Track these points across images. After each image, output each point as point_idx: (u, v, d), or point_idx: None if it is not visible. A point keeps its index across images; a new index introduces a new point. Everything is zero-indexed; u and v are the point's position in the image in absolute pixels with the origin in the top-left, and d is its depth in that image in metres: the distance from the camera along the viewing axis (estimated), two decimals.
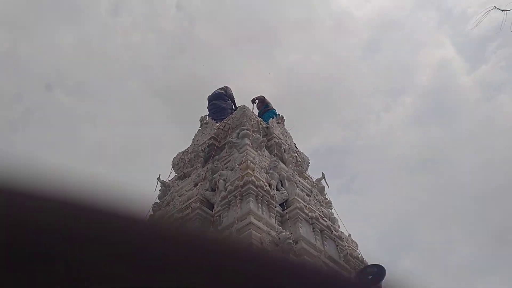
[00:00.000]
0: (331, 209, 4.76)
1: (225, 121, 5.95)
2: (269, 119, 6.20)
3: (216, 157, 5.21)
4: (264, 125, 5.84)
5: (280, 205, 4.14)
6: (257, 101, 6.87)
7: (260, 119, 6.06)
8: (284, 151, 5.45)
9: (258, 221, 3.62)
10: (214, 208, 4.09)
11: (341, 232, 4.38)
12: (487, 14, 5.04)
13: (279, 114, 6.64)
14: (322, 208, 4.53)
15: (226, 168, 4.67)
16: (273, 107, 6.89)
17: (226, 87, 7.05)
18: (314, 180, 5.31)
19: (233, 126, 5.67)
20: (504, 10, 4.89)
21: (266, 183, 4.17)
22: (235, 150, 4.97)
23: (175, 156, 5.85)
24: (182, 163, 5.56)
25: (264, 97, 7.03)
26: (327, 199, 5.05)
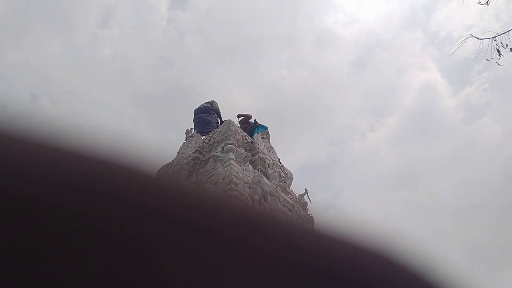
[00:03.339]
0: (313, 225, 4.80)
1: (210, 135, 5.99)
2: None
3: (201, 170, 5.23)
4: (249, 140, 5.89)
5: None
6: (245, 126, 6.86)
7: (245, 134, 6.11)
8: (268, 166, 5.50)
9: None
10: None
11: None
12: (464, 42, 5.22)
13: (267, 128, 6.69)
14: (304, 224, 4.57)
15: (210, 182, 4.69)
16: (261, 124, 6.93)
17: (213, 101, 7.09)
18: (297, 195, 5.36)
19: (218, 140, 5.71)
20: (480, 39, 5.08)
21: (249, 198, 4.21)
22: (219, 164, 5.00)
23: (159, 168, 5.82)
24: (166, 176, 5.55)
25: (251, 116, 7.03)
26: (309, 214, 5.09)
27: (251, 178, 4.74)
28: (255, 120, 6.93)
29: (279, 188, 4.99)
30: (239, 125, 6.76)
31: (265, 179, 4.96)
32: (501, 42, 5.03)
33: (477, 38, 5.12)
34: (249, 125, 6.75)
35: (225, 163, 4.95)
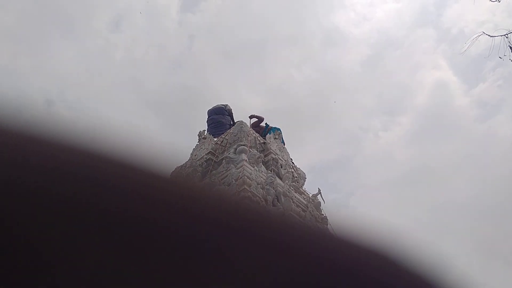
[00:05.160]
0: (327, 225, 4.78)
1: (223, 136, 6.01)
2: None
3: (214, 172, 5.24)
4: (261, 141, 5.90)
5: None
6: (258, 129, 6.86)
7: (257, 135, 6.12)
8: (281, 167, 5.50)
9: None
10: None
11: None
12: (476, 39, 5.16)
13: (280, 129, 6.69)
14: (317, 224, 4.56)
15: (223, 183, 4.70)
16: (273, 126, 6.92)
17: (226, 104, 7.14)
18: (310, 195, 5.34)
19: (231, 142, 5.72)
20: (492, 36, 5.02)
21: (262, 199, 4.21)
22: (232, 165, 5.01)
23: (173, 170, 5.85)
24: (180, 178, 5.58)
25: (263, 119, 7.02)
26: (323, 214, 5.07)
27: (264, 179, 4.74)
28: (266, 123, 6.93)
29: (292, 188, 4.98)
30: (252, 123, 6.78)
31: (278, 180, 4.96)
32: None
33: (489, 35, 5.06)
34: (261, 129, 6.73)
35: (238, 164, 4.96)
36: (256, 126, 6.78)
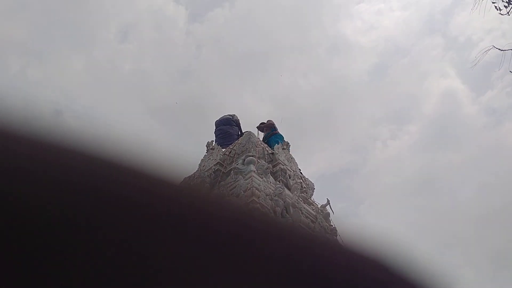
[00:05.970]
0: (336, 236, 4.74)
1: (231, 147, 6.01)
2: (275, 143, 6.26)
3: (222, 183, 5.24)
4: (270, 151, 5.89)
5: None
6: (264, 128, 6.93)
7: (265, 145, 6.11)
8: (289, 177, 5.48)
9: None
10: None
11: None
12: (486, 53, 5.16)
13: (283, 138, 6.70)
14: (327, 235, 4.52)
15: (231, 195, 4.69)
16: (279, 132, 6.95)
17: (234, 114, 7.17)
18: (319, 206, 5.30)
19: (239, 152, 5.72)
20: (503, 50, 5.02)
21: (271, 210, 4.19)
22: (240, 176, 5.00)
23: (181, 181, 5.85)
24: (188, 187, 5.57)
25: (273, 122, 7.09)
26: (332, 225, 5.03)
27: (272, 190, 4.72)
28: (274, 127, 6.97)
29: (301, 199, 4.95)
30: (266, 124, 6.85)
31: (286, 191, 4.93)
32: None
33: (499, 49, 5.06)
34: (268, 128, 6.82)
35: (246, 175, 4.94)
36: (267, 126, 6.87)
